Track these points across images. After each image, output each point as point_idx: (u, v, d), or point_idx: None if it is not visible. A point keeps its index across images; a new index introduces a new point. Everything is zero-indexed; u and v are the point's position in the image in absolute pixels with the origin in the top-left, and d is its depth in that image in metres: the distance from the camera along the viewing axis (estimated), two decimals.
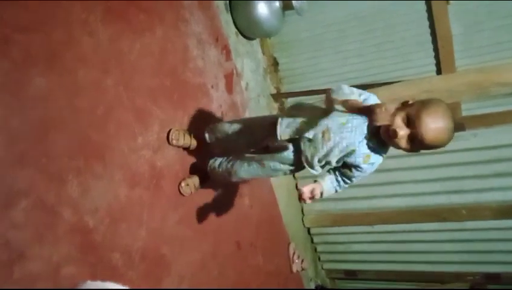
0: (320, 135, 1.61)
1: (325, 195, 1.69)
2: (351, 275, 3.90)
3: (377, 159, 1.63)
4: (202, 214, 2.31)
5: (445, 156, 3.07)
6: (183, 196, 2.14)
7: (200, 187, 2.21)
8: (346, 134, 1.57)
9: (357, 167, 1.63)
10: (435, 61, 2.97)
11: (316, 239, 3.87)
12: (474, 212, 3.14)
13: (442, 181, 3.19)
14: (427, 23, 2.91)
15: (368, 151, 1.59)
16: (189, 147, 2.15)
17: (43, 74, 1.53)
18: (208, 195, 2.36)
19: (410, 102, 1.49)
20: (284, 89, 3.49)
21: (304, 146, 1.69)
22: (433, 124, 1.41)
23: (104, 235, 1.70)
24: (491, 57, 2.82)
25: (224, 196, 2.48)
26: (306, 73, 3.37)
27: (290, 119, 1.71)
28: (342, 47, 3.20)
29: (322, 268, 4.00)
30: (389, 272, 3.70)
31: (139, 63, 1.99)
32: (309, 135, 1.63)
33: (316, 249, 3.92)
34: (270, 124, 1.77)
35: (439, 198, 3.24)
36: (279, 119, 1.73)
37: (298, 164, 1.78)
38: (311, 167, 1.71)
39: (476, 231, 3.23)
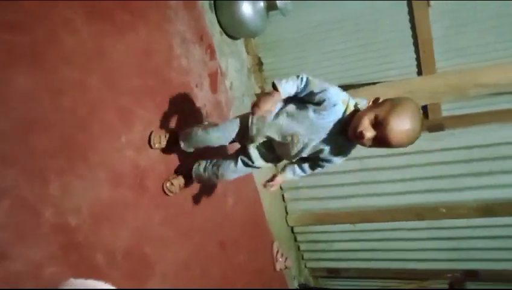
0: (289, 138, 1.68)
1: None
2: (333, 273, 3.94)
3: (346, 153, 1.69)
4: (186, 213, 2.32)
5: (424, 155, 3.12)
6: (167, 195, 2.14)
7: (184, 187, 2.22)
8: (313, 135, 1.63)
9: (328, 160, 1.71)
10: (416, 63, 3.01)
11: (299, 238, 3.91)
12: (454, 210, 3.21)
13: (422, 180, 3.24)
14: (409, 25, 2.95)
15: (336, 147, 1.65)
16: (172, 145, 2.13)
17: (26, 73, 1.52)
18: (192, 194, 2.36)
19: (381, 100, 1.50)
20: (269, 88, 3.49)
21: (276, 147, 1.79)
22: (399, 128, 1.39)
23: (86, 235, 1.69)
24: (471, 58, 2.87)
25: (208, 195, 2.48)
26: (290, 73, 3.30)
27: (260, 124, 1.75)
28: (326, 48, 3.23)
29: (306, 266, 4.04)
30: (371, 270, 3.76)
31: (122, 62, 1.98)
32: (278, 138, 1.71)
33: (299, 248, 3.96)
34: (243, 127, 1.83)
35: (419, 197, 3.30)
36: (249, 123, 1.78)
37: (275, 159, 1.90)
38: (288, 160, 1.84)
39: (455, 229, 3.30)
